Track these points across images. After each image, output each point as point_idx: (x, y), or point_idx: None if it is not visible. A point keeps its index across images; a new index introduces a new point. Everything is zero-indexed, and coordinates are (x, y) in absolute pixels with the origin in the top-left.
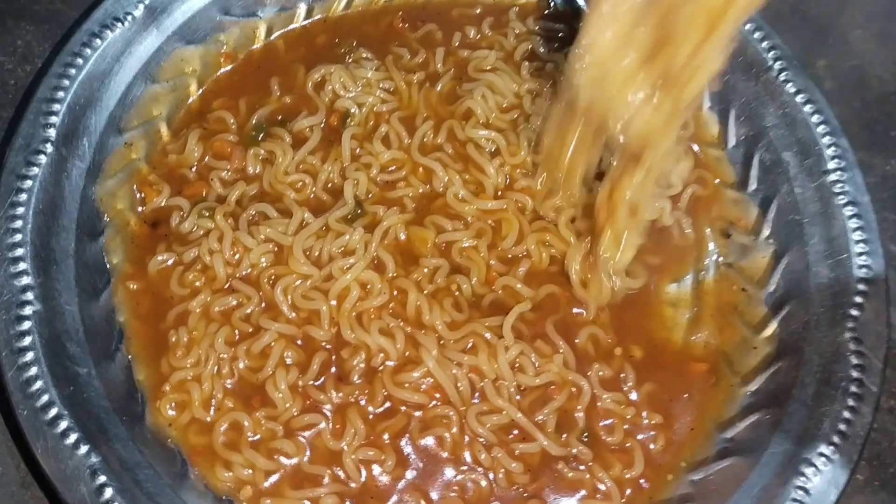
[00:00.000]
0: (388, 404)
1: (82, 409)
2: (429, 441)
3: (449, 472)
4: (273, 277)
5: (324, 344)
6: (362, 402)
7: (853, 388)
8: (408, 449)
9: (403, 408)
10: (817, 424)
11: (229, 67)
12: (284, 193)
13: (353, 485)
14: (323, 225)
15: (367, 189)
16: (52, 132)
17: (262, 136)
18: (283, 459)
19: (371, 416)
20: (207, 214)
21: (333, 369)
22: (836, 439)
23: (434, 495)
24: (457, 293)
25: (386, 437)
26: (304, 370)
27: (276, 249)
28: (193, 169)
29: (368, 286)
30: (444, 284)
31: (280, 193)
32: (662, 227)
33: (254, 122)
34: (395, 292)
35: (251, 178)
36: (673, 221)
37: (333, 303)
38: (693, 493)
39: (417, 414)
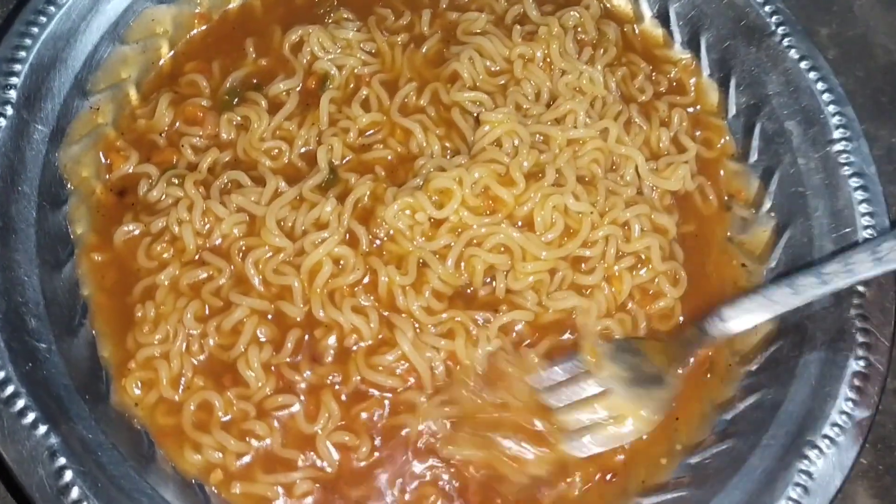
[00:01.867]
0: (361, 388)
1: (41, 387)
2: (402, 426)
3: (423, 460)
4: (244, 248)
5: (297, 319)
6: (337, 386)
7: (859, 368)
8: (382, 434)
9: (377, 392)
10: (821, 405)
11: (203, 28)
12: (259, 161)
13: (329, 469)
14: (297, 194)
15: (342, 154)
16: (12, 94)
17: (236, 100)
18: (254, 442)
19: (345, 399)
20: (177, 182)
21: (307, 351)
22: (841, 421)
23: (407, 482)
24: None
25: (364, 415)
26: (278, 348)
27: (248, 220)
28: (163, 135)
29: (342, 262)
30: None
31: (254, 161)
32: (686, 194)
33: (227, 85)
34: (366, 275)
35: (224, 145)
36: (695, 187)
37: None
38: (690, 478)
39: (389, 396)
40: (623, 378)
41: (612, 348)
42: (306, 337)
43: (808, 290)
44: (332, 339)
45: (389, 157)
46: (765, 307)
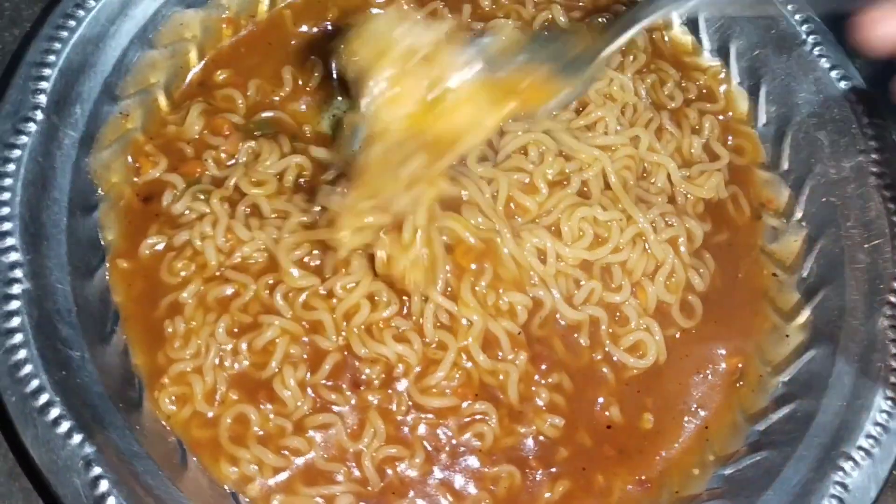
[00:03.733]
0: (413, 413)
1: (75, 396)
2: (467, 437)
3: (479, 468)
4: (271, 283)
5: (331, 349)
6: (383, 405)
7: (893, 379)
8: (439, 443)
9: (431, 415)
10: (855, 416)
11: (234, 39)
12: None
13: (369, 488)
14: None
15: None
16: (42, 98)
17: (260, 134)
18: (293, 457)
19: (397, 417)
20: (203, 198)
21: (348, 376)
22: (875, 432)
23: (460, 490)
24: None
25: (422, 429)
26: (314, 369)
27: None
28: (191, 144)
29: (376, 297)
30: None
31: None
32: (719, 202)
33: (262, 117)
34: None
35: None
36: (728, 195)
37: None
38: (724, 489)
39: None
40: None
41: (530, 34)
42: (346, 357)
43: None
44: (374, 371)
45: None
46: None
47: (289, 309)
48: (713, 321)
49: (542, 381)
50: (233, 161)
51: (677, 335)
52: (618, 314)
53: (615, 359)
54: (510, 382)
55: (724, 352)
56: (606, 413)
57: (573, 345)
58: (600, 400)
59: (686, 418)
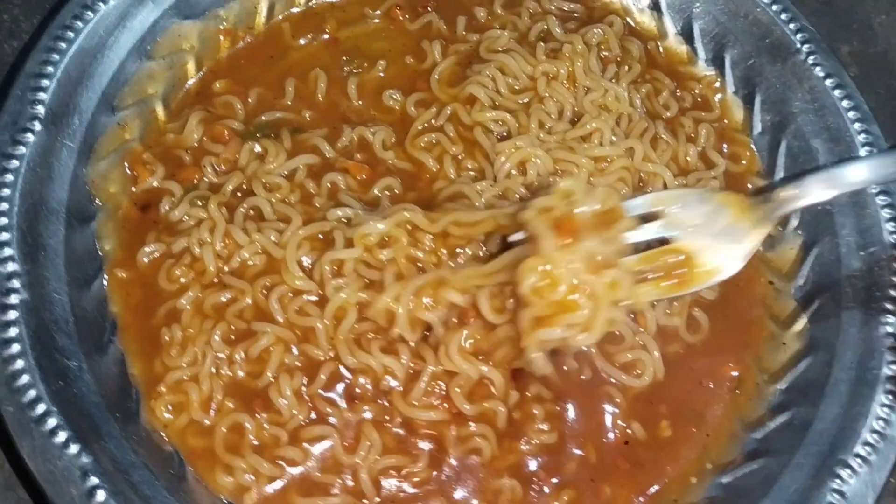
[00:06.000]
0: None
1: (72, 406)
2: (464, 452)
3: (481, 479)
4: (268, 285)
5: (323, 358)
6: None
7: (889, 386)
8: (436, 456)
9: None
10: (852, 424)
11: (232, 51)
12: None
13: (364, 501)
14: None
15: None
16: (40, 109)
17: (261, 136)
18: (288, 468)
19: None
20: (201, 204)
21: (343, 388)
22: (872, 439)
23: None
24: None
25: (426, 446)
26: (311, 378)
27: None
28: (189, 151)
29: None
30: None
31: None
32: None
33: (263, 119)
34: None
35: (243, 170)
36: None
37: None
38: (721, 497)
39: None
40: (694, 226)
41: (682, 194)
42: (339, 369)
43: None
44: (365, 380)
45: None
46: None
47: (282, 312)
48: (716, 331)
49: (535, 411)
50: (230, 167)
51: (682, 350)
52: (617, 331)
53: (616, 381)
54: (499, 416)
55: (724, 361)
56: (628, 430)
57: (575, 372)
58: (621, 423)
59: (693, 428)
